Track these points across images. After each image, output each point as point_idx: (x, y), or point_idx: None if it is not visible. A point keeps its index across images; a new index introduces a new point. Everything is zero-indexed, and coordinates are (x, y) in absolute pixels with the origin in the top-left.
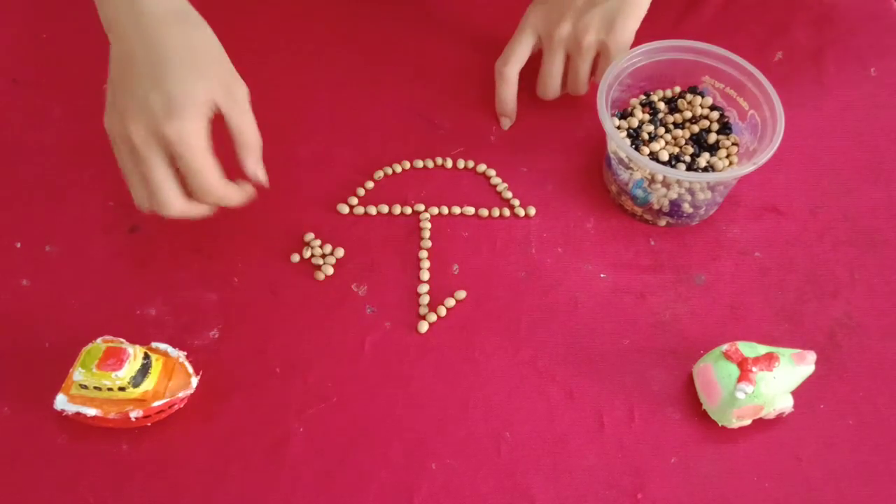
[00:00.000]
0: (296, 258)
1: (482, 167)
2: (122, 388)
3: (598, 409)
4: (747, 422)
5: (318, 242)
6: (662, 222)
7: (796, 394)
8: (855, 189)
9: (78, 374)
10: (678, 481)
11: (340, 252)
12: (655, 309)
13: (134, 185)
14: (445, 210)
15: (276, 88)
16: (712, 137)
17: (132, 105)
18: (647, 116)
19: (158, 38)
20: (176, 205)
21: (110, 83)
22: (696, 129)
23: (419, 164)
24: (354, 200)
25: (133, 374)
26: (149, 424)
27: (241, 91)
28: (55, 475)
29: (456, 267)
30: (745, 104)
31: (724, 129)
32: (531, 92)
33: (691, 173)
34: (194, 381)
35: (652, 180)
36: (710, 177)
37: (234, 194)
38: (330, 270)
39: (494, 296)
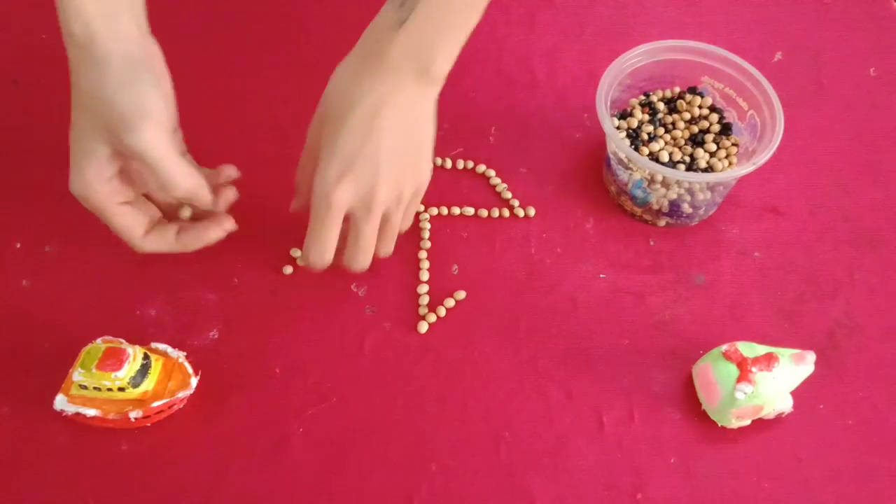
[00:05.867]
0: (297, 253)
1: (482, 167)
2: (121, 389)
3: (597, 409)
4: (747, 422)
5: None
6: (662, 222)
7: (796, 394)
8: (854, 189)
9: (77, 375)
10: (678, 481)
11: None
12: (655, 309)
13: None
14: (445, 210)
15: (276, 88)
16: (711, 138)
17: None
18: (646, 117)
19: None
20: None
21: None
22: (695, 129)
23: None
24: None
25: (133, 374)
26: (148, 425)
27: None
28: (55, 475)
29: (455, 267)
30: (744, 104)
31: (724, 129)
32: (530, 92)
33: (691, 174)
34: (194, 381)
35: (651, 180)
36: (710, 177)
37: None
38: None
39: (494, 296)
